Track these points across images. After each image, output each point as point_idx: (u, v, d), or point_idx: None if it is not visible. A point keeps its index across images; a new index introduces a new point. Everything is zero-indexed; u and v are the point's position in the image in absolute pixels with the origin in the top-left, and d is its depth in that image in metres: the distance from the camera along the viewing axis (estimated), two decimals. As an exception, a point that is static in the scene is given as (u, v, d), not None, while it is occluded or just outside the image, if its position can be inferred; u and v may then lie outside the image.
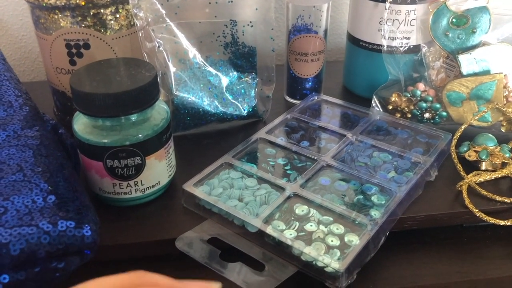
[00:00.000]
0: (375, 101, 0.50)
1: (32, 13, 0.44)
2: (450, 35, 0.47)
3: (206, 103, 0.47)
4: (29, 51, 0.67)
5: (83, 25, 0.42)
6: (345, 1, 0.66)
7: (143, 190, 0.38)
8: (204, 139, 0.48)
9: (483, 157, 0.43)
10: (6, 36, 0.66)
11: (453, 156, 0.43)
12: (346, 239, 0.35)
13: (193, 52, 0.46)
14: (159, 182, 0.39)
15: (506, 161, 0.42)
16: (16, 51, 0.67)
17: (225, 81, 0.48)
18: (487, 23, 0.46)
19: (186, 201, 0.39)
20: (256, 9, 0.45)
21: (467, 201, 0.39)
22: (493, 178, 0.41)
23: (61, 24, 0.42)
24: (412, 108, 0.48)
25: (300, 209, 0.37)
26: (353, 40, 0.53)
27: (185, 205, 0.40)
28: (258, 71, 0.49)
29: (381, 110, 0.50)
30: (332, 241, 0.34)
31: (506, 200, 0.40)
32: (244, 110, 0.49)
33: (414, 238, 0.40)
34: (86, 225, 0.31)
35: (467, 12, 0.46)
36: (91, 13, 0.42)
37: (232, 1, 0.44)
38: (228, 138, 0.49)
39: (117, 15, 0.43)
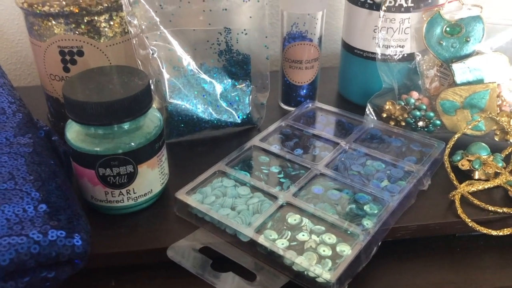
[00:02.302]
0: (369, 109, 0.50)
1: (26, 20, 0.44)
2: (444, 43, 0.47)
3: (200, 110, 0.47)
4: (24, 55, 0.67)
5: (77, 32, 0.42)
6: (340, 7, 0.66)
7: (135, 198, 0.38)
8: (198, 146, 0.48)
9: (476, 166, 0.43)
10: (2, 41, 0.66)
11: (446, 165, 0.43)
12: (338, 249, 0.35)
13: (187, 60, 0.46)
14: (151, 190, 0.39)
15: (499, 170, 0.42)
16: (12, 55, 0.67)
17: (219, 88, 0.48)
18: (480, 32, 0.46)
19: (179, 209, 0.39)
20: (250, 17, 0.45)
21: (459, 211, 0.39)
22: (486, 187, 0.41)
23: (55, 31, 0.42)
24: (406, 116, 0.48)
25: (293, 218, 0.37)
26: (347, 48, 0.54)
27: (178, 213, 0.39)
28: (253, 79, 0.49)
29: (375, 118, 0.50)
30: (324, 251, 0.34)
31: (498, 210, 0.40)
32: (239, 117, 0.49)
33: (406, 247, 0.40)
34: (77, 235, 0.31)
35: (460, 21, 0.46)
36: (85, 20, 0.42)
37: (226, 9, 0.44)
38: (222, 145, 0.49)
39: (111, 22, 0.43)
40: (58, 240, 0.30)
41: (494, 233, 0.38)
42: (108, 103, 0.34)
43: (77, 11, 0.41)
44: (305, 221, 0.37)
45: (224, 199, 0.39)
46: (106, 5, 0.42)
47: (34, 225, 0.31)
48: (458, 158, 0.44)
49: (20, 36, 0.65)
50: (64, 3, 0.41)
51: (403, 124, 0.49)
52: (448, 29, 0.47)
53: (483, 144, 0.44)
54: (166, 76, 0.45)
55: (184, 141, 0.49)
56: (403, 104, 0.48)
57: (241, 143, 0.46)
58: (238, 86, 0.49)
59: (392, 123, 0.49)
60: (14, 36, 0.65)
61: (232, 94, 0.49)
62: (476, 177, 0.43)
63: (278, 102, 0.56)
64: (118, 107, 0.35)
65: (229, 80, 0.48)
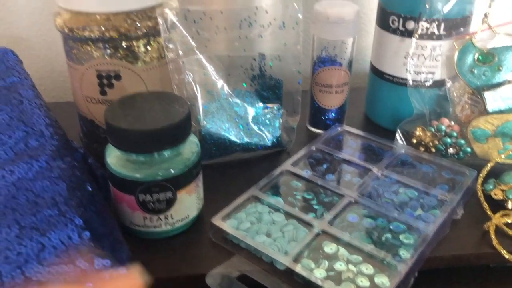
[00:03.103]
0: (399, 134, 0.50)
1: (65, 44, 0.45)
2: (475, 71, 0.47)
3: (232, 133, 0.48)
4: (50, 70, 0.68)
5: (115, 57, 0.42)
6: (366, 28, 0.67)
7: (172, 224, 0.39)
8: (228, 169, 0.49)
9: (510, 196, 0.43)
10: (29, 56, 0.67)
11: (479, 195, 0.43)
12: (376, 280, 0.35)
13: (221, 84, 0.46)
14: (188, 215, 0.40)
15: (533, 201, 0.42)
16: (38, 70, 0.68)
17: (251, 112, 0.48)
18: (513, 61, 0.46)
19: (214, 235, 0.40)
20: (285, 44, 0.46)
21: (494, 242, 0.39)
22: (520, 218, 0.41)
23: (94, 56, 0.43)
24: (437, 143, 0.48)
25: (329, 247, 0.38)
26: (376, 72, 0.54)
27: (213, 239, 0.40)
28: (284, 103, 0.50)
29: (405, 143, 0.50)
30: (361, 281, 0.35)
31: (533, 242, 0.40)
32: (269, 140, 0.50)
33: (440, 277, 0.40)
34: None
35: (493, 50, 0.47)
36: (124, 45, 0.42)
37: (262, 36, 0.45)
38: (252, 167, 0.49)
39: (149, 47, 0.43)
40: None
41: (530, 265, 0.38)
42: (151, 131, 0.35)
43: (116, 36, 0.41)
44: (342, 250, 0.37)
45: (259, 225, 0.40)
46: (145, 30, 0.42)
47: (80, 253, 0.31)
48: (491, 187, 0.44)
49: (46, 51, 0.66)
50: (103, 28, 0.41)
51: (433, 150, 0.49)
52: (480, 57, 0.47)
53: (516, 173, 0.44)
54: (200, 100, 0.45)
55: (214, 163, 0.49)
56: (433, 130, 0.49)
57: (270, 166, 0.47)
58: (269, 109, 0.49)
59: (422, 149, 0.49)
60: (40, 51, 0.66)
61: (263, 118, 0.49)
62: (510, 207, 0.43)
63: (306, 124, 0.56)
64: (161, 135, 0.35)
65: (261, 104, 0.49)
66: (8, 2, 0.61)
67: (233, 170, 0.49)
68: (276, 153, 0.51)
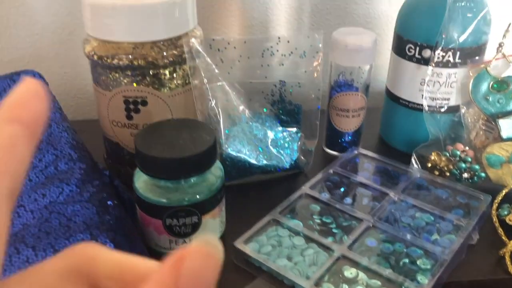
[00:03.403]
0: (414, 159, 0.52)
1: (93, 70, 0.46)
2: (490, 99, 0.49)
3: (252, 156, 0.49)
4: (70, 87, 0.70)
5: (142, 84, 0.44)
6: (381, 50, 0.68)
7: (197, 247, 0.40)
8: (247, 191, 0.50)
9: (524, 222, 0.44)
10: (49, 73, 0.68)
11: (494, 220, 0.44)
12: (395, 305, 0.36)
13: (242, 109, 0.48)
14: (211, 238, 0.41)
15: (547, 227, 0.43)
16: (57, 87, 0.70)
17: (270, 135, 0.50)
18: (527, 89, 0.48)
19: (237, 257, 0.41)
20: (305, 71, 0.47)
21: (510, 268, 0.40)
22: (535, 245, 0.42)
23: (122, 82, 0.44)
24: (452, 167, 0.50)
25: (349, 271, 0.39)
26: (392, 97, 0.55)
27: (236, 261, 0.41)
28: (302, 127, 0.51)
29: (420, 167, 0.51)
30: (381, 306, 0.36)
31: (548, 268, 0.40)
32: (287, 162, 0.51)
33: (457, 302, 0.41)
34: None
35: (508, 78, 0.48)
36: (151, 73, 0.44)
37: (283, 64, 0.46)
38: (271, 189, 0.50)
39: (174, 75, 0.45)
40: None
41: (544, 291, 0.39)
42: (180, 159, 0.36)
43: (144, 64, 0.43)
44: (361, 275, 0.39)
45: (280, 249, 0.41)
46: (171, 59, 0.44)
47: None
48: (505, 212, 0.45)
49: (66, 69, 0.68)
50: (131, 57, 0.43)
51: (448, 174, 0.50)
52: (495, 85, 0.48)
53: (530, 199, 0.45)
54: (222, 124, 0.47)
55: (234, 185, 0.50)
56: (448, 155, 0.50)
57: (288, 188, 0.48)
58: (288, 133, 0.51)
59: (437, 173, 0.51)
60: (61, 69, 0.68)
61: (282, 141, 0.51)
62: (524, 232, 0.44)
63: (322, 146, 0.58)
64: (188, 162, 0.37)
65: (280, 127, 0.50)
66: (32, 21, 0.63)
67: (252, 192, 0.50)
68: (294, 174, 0.53)
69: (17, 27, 0.63)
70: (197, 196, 0.38)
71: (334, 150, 0.57)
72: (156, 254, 0.41)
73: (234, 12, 0.64)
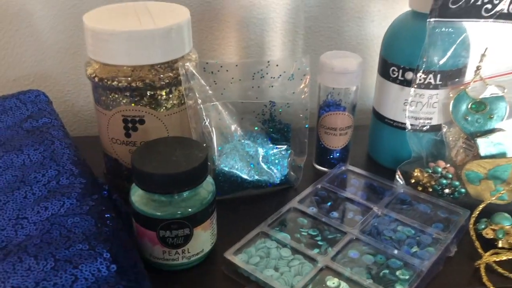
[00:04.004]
0: (398, 175, 0.54)
1: (94, 91, 0.49)
2: (469, 119, 0.51)
3: (244, 172, 0.52)
4: (72, 105, 0.73)
5: (140, 104, 0.47)
6: (369, 68, 0.71)
7: (189, 257, 0.43)
8: (239, 205, 0.53)
9: (500, 236, 0.46)
10: (53, 91, 0.72)
11: (471, 234, 0.47)
12: (374, 313, 0.38)
13: (234, 127, 0.51)
14: (203, 249, 0.43)
15: (521, 241, 0.45)
16: (60, 104, 0.73)
17: (261, 152, 0.53)
18: (503, 110, 0.50)
19: (227, 268, 0.43)
20: (293, 92, 0.50)
21: (485, 279, 0.43)
22: (510, 258, 0.44)
23: (121, 103, 0.47)
24: (433, 183, 0.52)
25: (331, 281, 0.41)
26: (378, 116, 0.58)
27: (226, 272, 0.43)
28: (292, 144, 0.54)
29: (404, 183, 0.54)
30: (361, 314, 0.38)
31: (521, 279, 0.43)
32: (277, 178, 0.54)
33: (435, 311, 0.43)
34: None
35: (485, 99, 0.51)
36: (148, 94, 0.47)
37: (273, 86, 0.49)
38: (262, 203, 0.53)
39: (171, 95, 0.48)
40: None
41: (517, 301, 0.41)
42: (173, 175, 0.39)
43: (142, 86, 0.46)
44: (343, 284, 0.41)
45: (268, 260, 0.43)
46: (168, 81, 0.47)
47: (108, 284, 0.35)
48: (483, 226, 0.48)
49: (69, 88, 0.71)
50: (130, 79, 0.46)
51: (430, 190, 0.53)
52: (473, 106, 0.51)
53: (506, 214, 0.48)
54: (215, 142, 0.50)
55: (226, 199, 0.53)
56: (430, 172, 0.52)
57: (278, 202, 0.51)
58: (278, 150, 0.53)
59: (420, 188, 0.53)
60: (64, 87, 0.70)
61: (273, 158, 0.53)
62: (500, 245, 0.46)
63: (312, 163, 0.60)
64: (181, 178, 0.40)
65: (271, 145, 0.53)
66: (38, 41, 0.66)
67: (243, 206, 0.53)
68: (284, 189, 0.55)
69: (24, 47, 0.67)
70: (189, 210, 0.41)
71: (323, 167, 0.59)
72: (150, 264, 0.43)
73: (231, 34, 0.67)
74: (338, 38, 0.70)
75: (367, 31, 0.70)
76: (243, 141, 0.51)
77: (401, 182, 0.54)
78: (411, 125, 0.54)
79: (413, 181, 0.53)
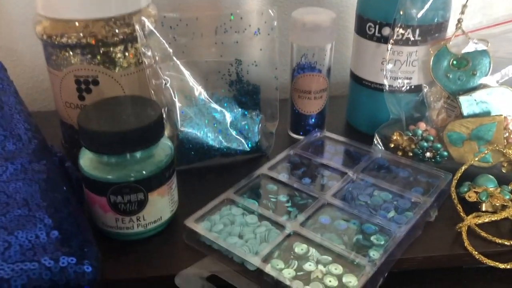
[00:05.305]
0: (376, 139, 0.51)
1: (45, 50, 0.46)
2: (450, 76, 0.48)
3: (211, 138, 0.48)
4: (41, 80, 0.69)
5: (92, 63, 0.43)
6: (350, 36, 0.68)
7: (145, 225, 0.39)
8: (207, 174, 0.49)
9: (483, 198, 0.43)
10: (20, 66, 0.68)
11: (453, 197, 0.43)
12: (344, 280, 0.35)
13: (198, 89, 0.47)
14: (161, 217, 0.40)
15: (506, 203, 0.42)
16: (28, 80, 0.69)
17: (229, 117, 0.49)
18: (487, 66, 0.47)
19: (188, 237, 0.40)
20: (261, 49, 0.46)
21: (466, 243, 0.39)
22: (493, 220, 0.41)
23: (72, 61, 0.43)
24: (414, 147, 0.49)
25: (300, 247, 0.38)
26: (356, 78, 0.55)
27: (187, 241, 0.40)
28: (262, 108, 0.50)
29: (383, 148, 0.51)
30: (330, 281, 0.35)
31: (506, 243, 0.40)
32: (248, 145, 0.50)
33: (413, 278, 0.40)
34: (87, 262, 0.32)
35: (467, 55, 0.47)
36: (101, 51, 0.43)
37: (237, 42, 0.46)
38: (231, 172, 0.49)
39: (126, 53, 0.44)
40: (68, 266, 0.31)
41: (501, 266, 0.38)
42: (122, 132, 0.36)
43: (93, 42, 0.42)
44: (312, 251, 0.38)
45: (232, 227, 0.40)
46: (122, 37, 0.43)
47: (46, 251, 0.32)
48: (465, 189, 0.44)
49: (37, 62, 0.67)
50: (81, 35, 0.42)
51: (411, 154, 0.49)
52: (455, 62, 0.48)
53: (490, 176, 0.45)
54: (178, 105, 0.46)
55: (193, 168, 0.50)
56: (410, 135, 0.49)
57: (250, 171, 0.47)
58: (247, 115, 0.50)
59: (400, 153, 0.50)
60: (31, 61, 0.67)
61: (242, 123, 0.50)
62: (483, 209, 0.43)
63: (287, 131, 0.57)
64: (131, 136, 0.36)
65: (239, 109, 0.49)
66: (1, 14, 0.62)
67: (211, 175, 0.49)
68: (255, 158, 0.52)
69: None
70: (143, 172, 0.37)
71: (299, 134, 0.56)
72: (103, 233, 0.40)
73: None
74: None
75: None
76: (209, 104, 0.48)
77: (380, 147, 0.51)
78: (390, 85, 0.50)
79: (392, 145, 0.50)
